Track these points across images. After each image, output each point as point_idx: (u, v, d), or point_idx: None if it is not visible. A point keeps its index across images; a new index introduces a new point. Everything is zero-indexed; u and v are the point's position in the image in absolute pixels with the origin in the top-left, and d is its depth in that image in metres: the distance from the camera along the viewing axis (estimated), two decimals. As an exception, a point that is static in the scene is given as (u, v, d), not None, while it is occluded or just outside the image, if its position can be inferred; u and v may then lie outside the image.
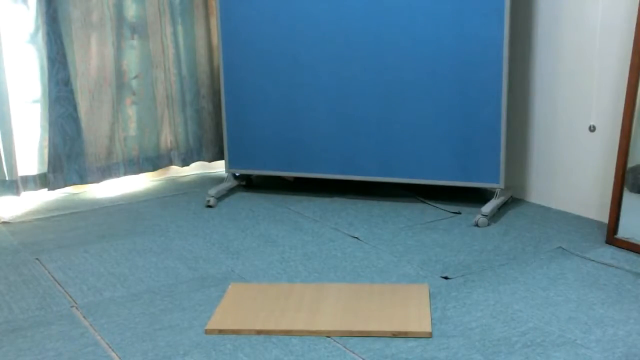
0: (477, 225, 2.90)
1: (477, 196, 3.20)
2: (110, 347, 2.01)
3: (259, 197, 3.38)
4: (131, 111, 3.52)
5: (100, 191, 3.50)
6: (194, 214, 3.17)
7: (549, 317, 2.14)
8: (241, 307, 2.21)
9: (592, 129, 2.86)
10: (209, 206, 3.24)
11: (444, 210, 3.12)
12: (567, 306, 2.21)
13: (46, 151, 3.29)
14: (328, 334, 2.04)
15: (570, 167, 3.03)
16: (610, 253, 2.61)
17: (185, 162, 3.69)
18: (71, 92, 3.29)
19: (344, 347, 2.00)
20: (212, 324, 2.11)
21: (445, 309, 2.20)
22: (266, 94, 3.24)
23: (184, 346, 2.01)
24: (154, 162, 3.62)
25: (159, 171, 3.69)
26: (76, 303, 2.30)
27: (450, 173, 3.05)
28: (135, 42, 3.46)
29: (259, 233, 2.90)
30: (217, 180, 3.61)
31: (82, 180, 3.40)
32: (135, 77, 3.49)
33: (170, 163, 3.69)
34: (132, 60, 3.47)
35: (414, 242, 2.76)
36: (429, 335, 2.04)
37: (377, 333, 2.05)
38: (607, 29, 2.78)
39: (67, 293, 2.38)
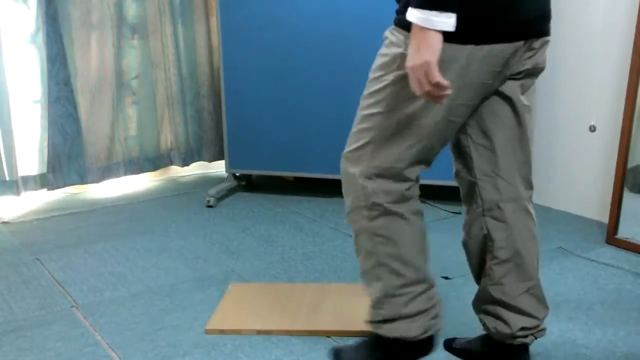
0: (477, 225, 2.90)
1: (477, 196, 3.19)
2: (110, 347, 2.01)
3: (259, 197, 3.38)
4: (131, 111, 3.52)
5: (100, 191, 3.50)
6: (194, 214, 3.17)
7: (549, 317, 2.14)
8: (241, 307, 2.21)
9: (592, 129, 2.86)
10: (209, 206, 3.24)
11: (444, 210, 3.12)
12: (567, 306, 2.21)
13: (46, 151, 3.29)
14: (328, 334, 2.04)
15: (570, 167, 3.03)
16: (610, 253, 2.61)
17: (185, 162, 3.69)
18: (71, 92, 3.29)
19: (344, 347, 2.00)
20: (212, 324, 2.11)
21: (445, 309, 2.20)
22: (266, 94, 3.24)
23: (184, 346, 2.01)
24: (154, 162, 3.63)
25: (159, 171, 3.70)
26: (76, 303, 2.30)
27: (451, 173, 3.04)
28: (135, 42, 3.46)
29: (259, 233, 2.90)
30: (217, 180, 3.61)
31: (82, 180, 3.40)
32: (135, 77, 3.49)
33: (170, 163, 3.69)
34: (132, 60, 3.47)
35: (414, 242, 2.75)
36: (429, 335, 2.03)
37: (377, 333, 2.05)
38: (607, 29, 2.79)
39: (67, 293, 2.38)
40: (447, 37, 1.42)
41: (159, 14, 3.47)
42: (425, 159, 1.67)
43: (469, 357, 1.91)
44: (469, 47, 1.49)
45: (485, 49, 1.50)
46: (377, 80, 1.61)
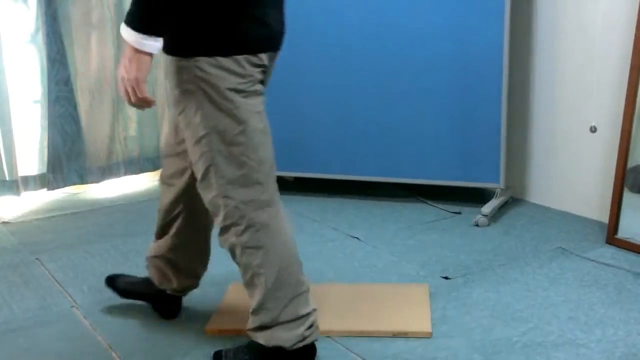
0: (477, 225, 2.90)
1: (477, 196, 3.20)
2: (110, 347, 2.01)
3: (259, 197, 3.37)
4: (131, 111, 3.52)
5: (100, 191, 3.50)
6: (194, 214, 3.16)
7: (549, 317, 2.14)
8: (241, 307, 2.21)
9: (593, 129, 2.86)
10: (209, 206, 3.24)
11: (444, 210, 3.12)
12: (567, 306, 2.21)
13: (46, 151, 3.29)
14: (328, 334, 2.04)
15: (570, 167, 3.03)
16: (610, 253, 2.61)
17: (185, 162, 3.68)
18: (71, 92, 3.29)
19: (344, 347, 2.00)
20: (212, 324, 2.11)
21: (445, 309, 2.20)
22: (265, 93, 3.23)
23: (184, 346, 2.01)
24: (154, 162, 3.62)
25: (159, 171, 3.69)
26: (76, 303, 2.30)
27: (451, 173, 3.05)
28: (135, 42, 3.45)
29: (259, 233, 2.90)
30: (217, 180, 3.61)
31: (82, 180, 3.40)
32: (135, 77, 3.48)
33: (170, 163, 3.68)
34: (132, 60, 3.46)
35: (414, 242, 2.76)
36: (429, 335, 2.04)
37: (378, 333, 2.05)
38: (607, 29, 2.78)
39: (67, 293, 2.37)
40: (206, 51, 1.61)
41: (159, 14, 3.47)
42: (266, 157, 1.82)
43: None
44: (229, 59, 1.64)
45: (241, 58, 1.68)
46: (184, 113, 1.70)
